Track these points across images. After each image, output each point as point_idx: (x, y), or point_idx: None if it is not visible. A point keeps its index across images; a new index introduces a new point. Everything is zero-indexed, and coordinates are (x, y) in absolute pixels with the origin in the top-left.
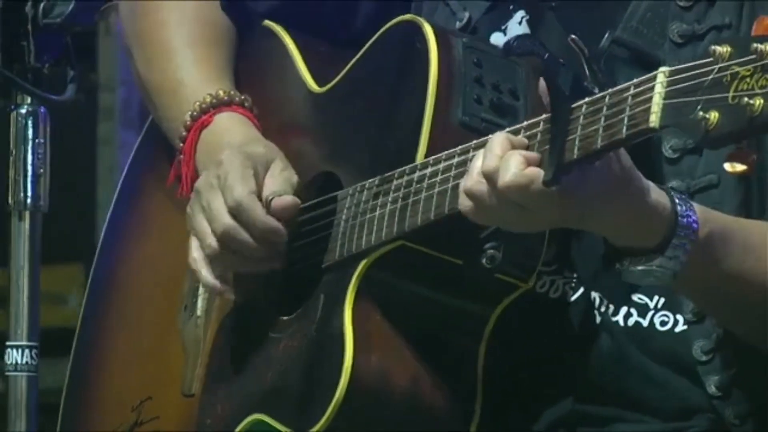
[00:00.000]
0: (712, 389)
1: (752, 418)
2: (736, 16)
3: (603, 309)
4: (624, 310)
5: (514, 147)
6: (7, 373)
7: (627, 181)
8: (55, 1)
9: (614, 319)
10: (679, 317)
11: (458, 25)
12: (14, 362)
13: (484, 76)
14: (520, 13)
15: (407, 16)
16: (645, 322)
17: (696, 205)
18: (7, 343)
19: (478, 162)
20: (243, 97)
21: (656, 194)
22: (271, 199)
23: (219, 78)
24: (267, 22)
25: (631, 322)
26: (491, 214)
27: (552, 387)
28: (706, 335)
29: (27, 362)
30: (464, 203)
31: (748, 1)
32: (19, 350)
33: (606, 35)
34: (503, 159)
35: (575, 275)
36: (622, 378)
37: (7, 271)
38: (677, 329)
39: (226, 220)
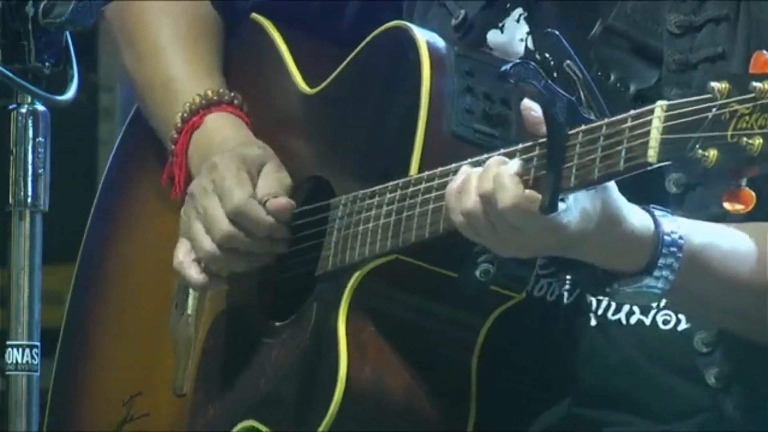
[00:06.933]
0: (711, 381)
1: (752, 410)
2: (734, 8)
3: (601, 310)
4: (626, 308)
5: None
6: (7, 373)
7: (611, 205)
8: (55, 1)
9: (615, 317)
10: (681, 316)
11: (453, 22)
12: (14, 361)
13: (476, 86)
14: (518, 11)
15: (397, 23)
16: (647, 320)
17: (681, 219)
18: (8, 342)
19: (474, 182)
20: (233, 95)
21: (639, 215)
22: (266, 200)
23: (208, 75)
24: (255, 16)
25: (633, 320)
26: (486, 234)
27: (549, 390)
28: (708, 327)
29: (27, 361)
30: (460, 222)
31: None
32: (20, 349)
33: (597, 23)
34: (497, 179)
35: (568, 277)
36: (620, 380)
37: (7, 271)
38: (679, 328)
39: (225, 226)
